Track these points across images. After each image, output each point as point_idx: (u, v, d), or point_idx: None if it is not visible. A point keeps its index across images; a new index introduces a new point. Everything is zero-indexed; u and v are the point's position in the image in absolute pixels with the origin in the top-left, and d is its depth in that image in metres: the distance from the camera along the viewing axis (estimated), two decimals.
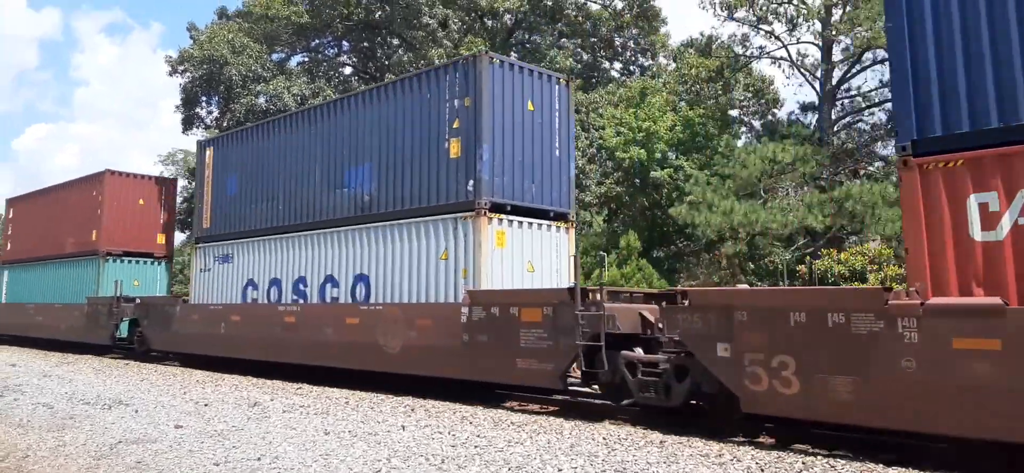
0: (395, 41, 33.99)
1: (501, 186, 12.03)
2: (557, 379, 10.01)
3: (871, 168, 27.89)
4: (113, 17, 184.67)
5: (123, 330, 20.21)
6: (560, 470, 6.67)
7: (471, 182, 11.87)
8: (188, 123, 34.32)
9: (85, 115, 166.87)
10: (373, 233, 13.35)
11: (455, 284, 11.90)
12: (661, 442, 8.05)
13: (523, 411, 10.49)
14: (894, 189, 20.00)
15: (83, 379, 14.17)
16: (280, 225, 15.55)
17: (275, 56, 33.49)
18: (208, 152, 18.38)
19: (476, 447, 7.71)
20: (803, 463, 6.93)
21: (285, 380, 14.42)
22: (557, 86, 13.15)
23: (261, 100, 30.13)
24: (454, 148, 12.21)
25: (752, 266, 25.71)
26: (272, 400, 11.35)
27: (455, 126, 12.23)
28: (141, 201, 23.52)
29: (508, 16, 32.42)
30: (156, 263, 23.54)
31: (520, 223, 12.31)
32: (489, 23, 32.87)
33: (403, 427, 8.93)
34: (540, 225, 12.68)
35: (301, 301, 14.68)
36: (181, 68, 32.65)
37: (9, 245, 28.00)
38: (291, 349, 14.27)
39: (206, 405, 10.67)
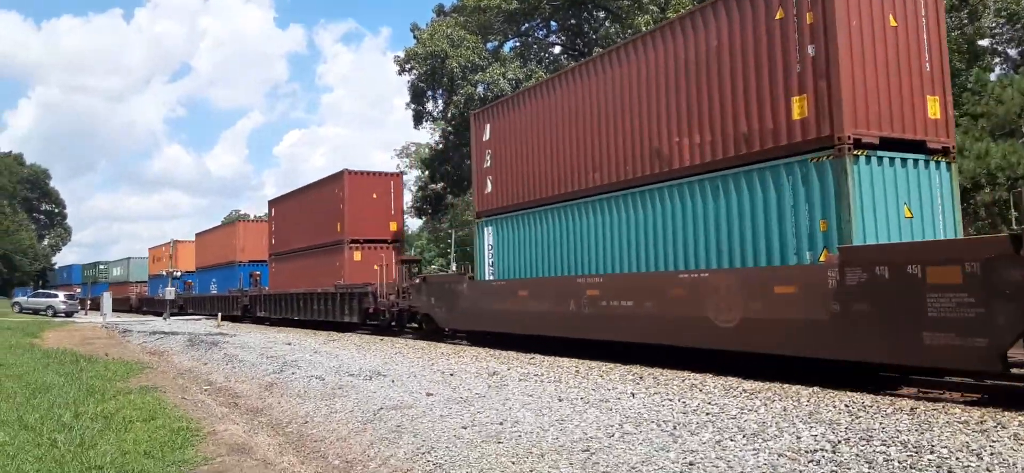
0: (601, 14, 34.03)
1: None
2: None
3: None
4: (348, 27, 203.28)
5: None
6: (798, 437, 6.48)
7: None
8: (418, 118, 36.91)
9: (331, 118, 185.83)
10: None
11: None
12: (912, 409, 7.50)
13: (755, 379, 10.23)
14: None
15: (346, 354, 15.96)
16: None
17: (489, 45, 34.93)
18: None
19: (708, 414, 7.69)
20: None
21: (519, 350, 15.13)
22: None
23: (479, 89, 31.62)
24: None
25: (1016, 213, 22.67)
26: (509, 370, 12.06)
27: None
28: (893, 22, 10.64)
29: None
30: (933, 163, 10.71)
31: None
32: None
33: (632, 395, 9.11)
34: None
35: None
36: (408, 66, 35.16)
37: (491, 181, 17.34)
38: None
39: (451, 375, 11.60)
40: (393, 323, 23.00)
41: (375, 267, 24.08)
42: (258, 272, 35.70)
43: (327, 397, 10.56)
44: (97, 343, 22.40)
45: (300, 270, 29.18)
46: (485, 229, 17.64)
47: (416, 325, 22.35)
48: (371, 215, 26.17)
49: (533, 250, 15.81)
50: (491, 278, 17.20)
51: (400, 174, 28.73)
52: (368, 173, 27.09)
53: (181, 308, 44.59)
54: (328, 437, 8.46)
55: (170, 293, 42.73)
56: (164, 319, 39.25)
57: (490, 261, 17.41)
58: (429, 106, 36.75)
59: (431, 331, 20.36)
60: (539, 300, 15.29)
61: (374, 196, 26.34)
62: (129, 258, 63.31)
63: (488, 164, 17.77)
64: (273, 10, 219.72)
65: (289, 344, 19.38)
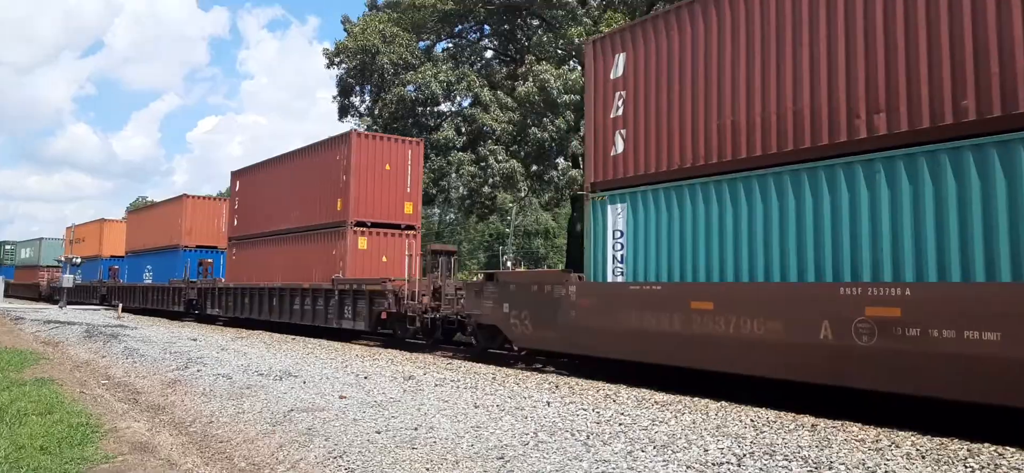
0: (535, 22, 34.29)
1: None
2: None
3: None
4: (274, 13, 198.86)
5: None
6: (706, 450, 6.66)
7: None
8: (343, 112, 36.31)
9: (251, 107, 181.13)
10: None
11: None
12: (813, 426, 7.82)
13: (667, 391, 10.47)
14: None
15: (255, 353, 15.50)
16: None
17: (421, 44, 34.70)
18: None
19: (620, 425, 7.82)
20: (968, 450, 6.54)
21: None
22: None
23: (409, 90, 31.34)
24: None
25: None
26: (425, 375, 11.96)
27: None
28: None
29: None
30: None
31: None
32: None
33: (548, 403, 9.18)
34: None
35: None
36: (337, 60, 34.55)
37: (622, 138, 12.00)
38: None
39: (366, 378, 11.42)
40: (420, 336, 17.27)
41: (383, 258, 20.03)
42: (210, 259, 30.13)
43: (234, 397, 10.23)
44: None
45: (277, 259, 23.39)
46: (610, 208, 11.94)
47: (459, 338, 16.99)
48: (382, 192, 20.49)
49: (717, 240, 10.32)
50: (622, 279, 11.57)
51: (420, 141, 22.46)
52: (381, 137, 21.59)
53: (103, 298, 39.68)
54: (235, 438, 8.19)
55: (67, 280, 40.59)
56: (60, 308, 37.27)
57: (617, 255, 11.72)
58: (356, 101, 36.26)
59: (487, 350, 15.05)
60: (744, 320, 9.58)
61: (387, 168, 20.57)
62: (41, 239, 55.79)
63: (618, 113, 12.05)
64: None
65: (194, 340, 18.69)
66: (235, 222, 27.12)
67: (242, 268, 25.84)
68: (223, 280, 27.31)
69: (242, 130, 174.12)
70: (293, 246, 22.64)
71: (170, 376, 12.46)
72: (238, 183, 27.36)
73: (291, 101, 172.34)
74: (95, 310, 36.19)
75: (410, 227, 20.93)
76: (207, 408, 9.75)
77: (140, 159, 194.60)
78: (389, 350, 16.67)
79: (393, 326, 17.88)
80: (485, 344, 14.97)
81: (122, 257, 39.78)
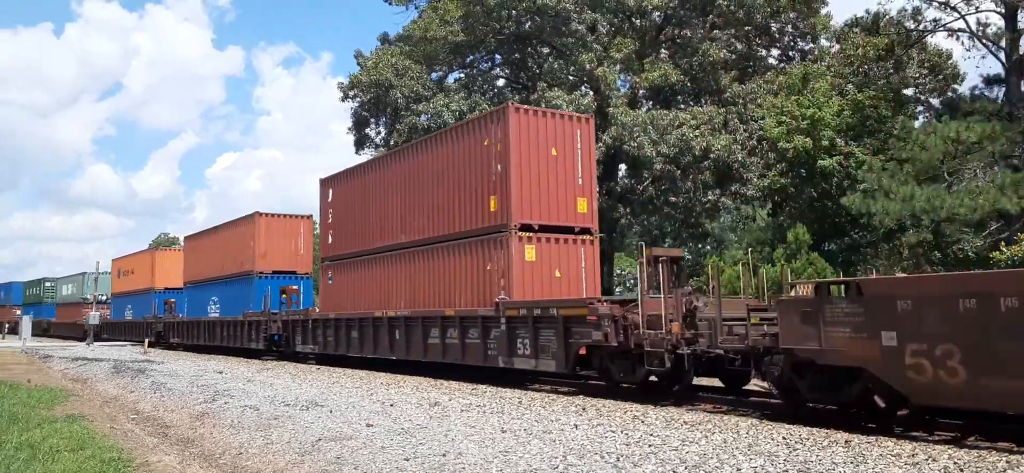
0: (545, 50, 34.55)
1: None
2: None
3: None
4: (288, 51, 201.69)
5: None
6: (739, 469, 6.60)
7: None
8: (360, 144, 36.76)
9: (267, 142, 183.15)
10: None
11: None
12: (847, 442, 7.74)
13: (696, 410, 10.39)
14: None
15: (281, 383, 15.56)
16: None
17: (434, 75, 35.08)
18: None
19: (650, 446, 7.77)
20: (1007, 462, 6.43)
21: (460, 380, 14.64)
22: None
23: (423, 119, 31.64)
24: None
25: (938, 255, 24.02)
26: (450, 400, 11.96)
27: None
28: None
29: (657, 13, 32.00)
30: None
31: None
32: (638, 22, 32.63)
33: (576, 426, 9.14)
34: None
35: None
36: (352, 94, 34.99)
37: None
38: None
39: (392, 405, 11.43)
40: (652, 376, 11.92)
41: (556, 273, 15.30)
42: (295, 286, 26.02)
43: (262, 428, 10.26)
44: (16, 369, 21.32)
45: (398, 280, 18.51)
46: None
47: (699, 382, 12.48)
48: (549, 185, 15.53)
49: None
50: None
51: (590, 118, 17.28)
52: (543, 112, 16.24)
53: (159, 335, 34.90)
54: (264, 469, 8.20)
55: (94, 317, 40.97)
56: (87, 345, 37.63)
57: None
58: (371, 132, 36.70)
59: (807, 405, 9.53)
60: None
61: (553, 153, 15.62)
62: (83, 273, 50.33)
63: None
64: (211, 31, 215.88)
65: (220, 372, 18.80)
66: (330, 239, 22.29)
67: (344, 294, 20.96)
68: (315, 310, 22.85)
69: (260, 165, 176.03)
70: (423, 263, 17.61)
71: (198, 409, 12.52)
72: (330, 192, 22.52)
73: (305, 135, 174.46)
74: (122, 346, 36.45)
75: (586, 231, 15.91)
76: (236, 440, 9.79)
77: (160, 196, 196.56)
78: (408, 377, 16.60)
79: (602, 366, 12.67)
80: (810, 396, 9.40)
81: (179, 289, 35.13)
